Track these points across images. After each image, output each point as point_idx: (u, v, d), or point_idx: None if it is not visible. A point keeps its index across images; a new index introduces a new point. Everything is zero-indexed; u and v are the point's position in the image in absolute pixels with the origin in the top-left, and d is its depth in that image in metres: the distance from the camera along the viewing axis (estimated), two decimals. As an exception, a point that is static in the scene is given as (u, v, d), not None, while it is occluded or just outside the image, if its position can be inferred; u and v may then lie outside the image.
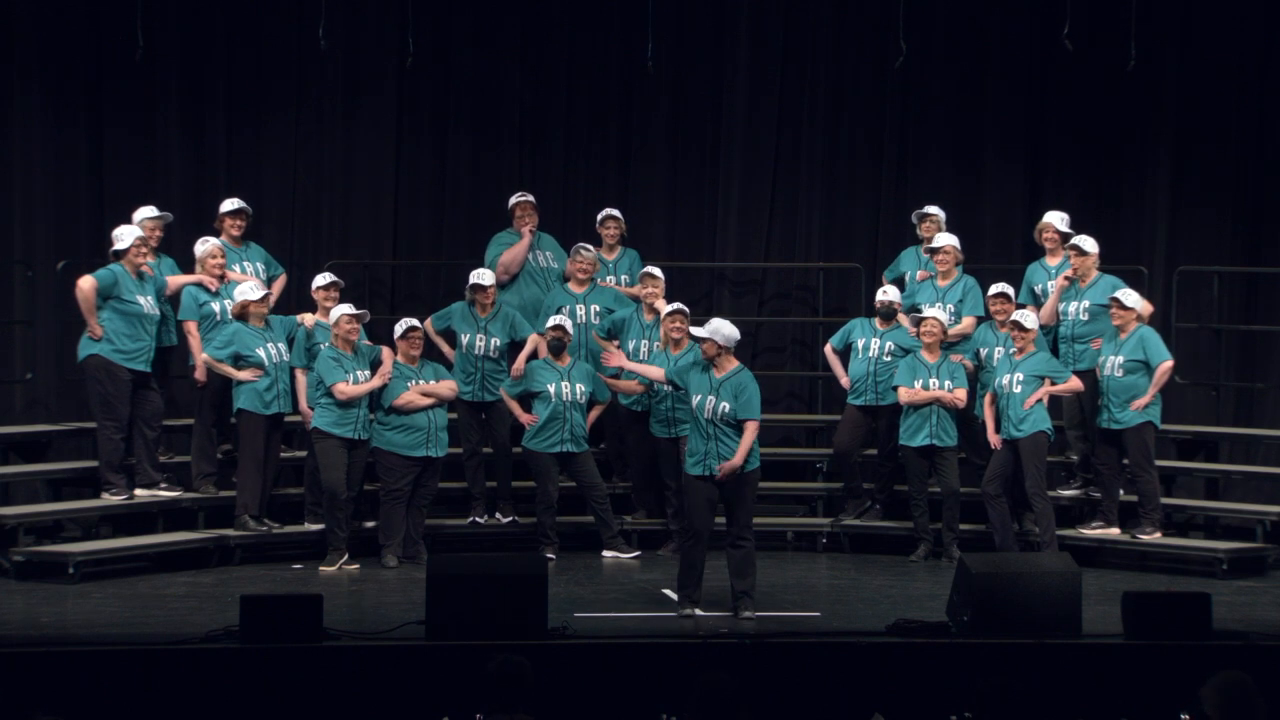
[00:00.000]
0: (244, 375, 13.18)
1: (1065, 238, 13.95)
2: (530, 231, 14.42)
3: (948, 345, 13.84)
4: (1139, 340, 13.32)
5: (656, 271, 14.13)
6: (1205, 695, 6.66)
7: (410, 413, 13.26)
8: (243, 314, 13.28)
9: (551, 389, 13.62)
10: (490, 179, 15.56)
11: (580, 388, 13.69)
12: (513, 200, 14.55)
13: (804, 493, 15.06)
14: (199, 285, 13.59)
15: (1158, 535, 13.43)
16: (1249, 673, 6.74)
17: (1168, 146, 15.68)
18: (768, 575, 13.16)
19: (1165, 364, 13.31)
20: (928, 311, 13.79)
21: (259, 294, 13.36)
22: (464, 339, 13.92)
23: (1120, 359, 13.30)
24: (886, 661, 9.98)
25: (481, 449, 14.06)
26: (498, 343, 13.91)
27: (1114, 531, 13.52)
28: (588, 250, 14.28)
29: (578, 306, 14.17)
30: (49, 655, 9.71)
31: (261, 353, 13.20)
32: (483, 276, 13.96)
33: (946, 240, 14.21)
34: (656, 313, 13.82)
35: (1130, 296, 13.40)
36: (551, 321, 13.73)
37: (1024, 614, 10.31)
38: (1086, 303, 13.70)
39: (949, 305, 14.05)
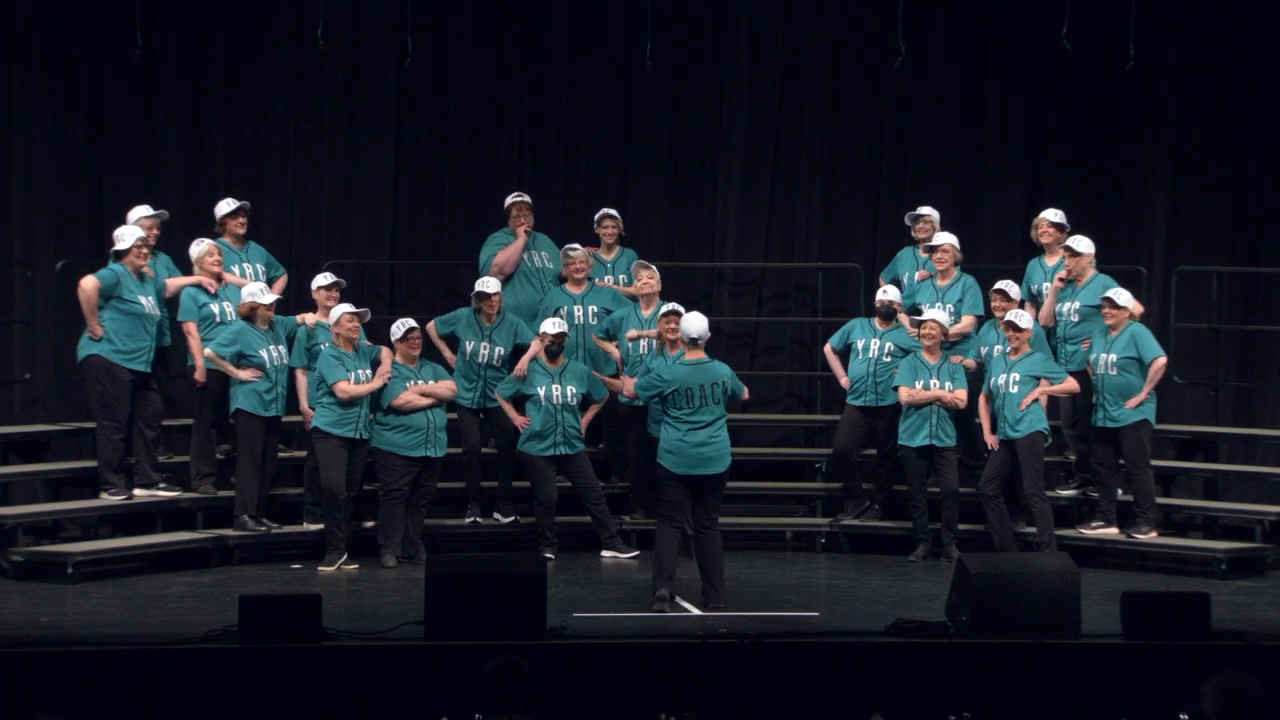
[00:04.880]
0: (244, 375, 13.18)
1: (1061, 230, 13.94)
2: (525, 232, 14.42)
3: (949, 345, 13.85)
4: (1131, 338, 13.32)
5: (647, 263, 14.13)
6: (1205, 695, 6.66)
7: (409, 413, 13.26)
8: (250, 314, 13.29)
9: (542, 392, 13.60)
10: (490, 179, 15.56)
11: (571, 389, 13.67)
12: (508, 200, 14.55)
13: (803, 493, 15.07)
14: (198, 286, 13.59)
15: (1154, 535, 13.43)
16: (1248, 673, 6.74)
17: (1167, 146, 15.68)
18: (767, 575, 13.21)
19: (1159, 360, 13.32)
20: (927, 313, 13.79)
21: (269, 298, 13.37)
22: (468, 346, 13.92)
23: (1113, 357, 13.30)
24: (885, 662, 9.98)
25: (481, 450, 14.07)
26: (501, 351, 13.90)
27: (1113, 531, 13.52)
28: (575, 250, 14.27)
29: (575, 307, 14.18)
30: (48, 655, 9.71)
31: (264, 354, 13.21)
32: (487, 285, 13.95)
33: (945, 239, 14.21)
34: (654, 307, 13.82)
35: (1123, 295, 13.40)
36: (551, 330, 13.69)
37: (1023, 614, 10.31)
38: (1077, 303, 13.70)
39: (949, 305, 14.05)
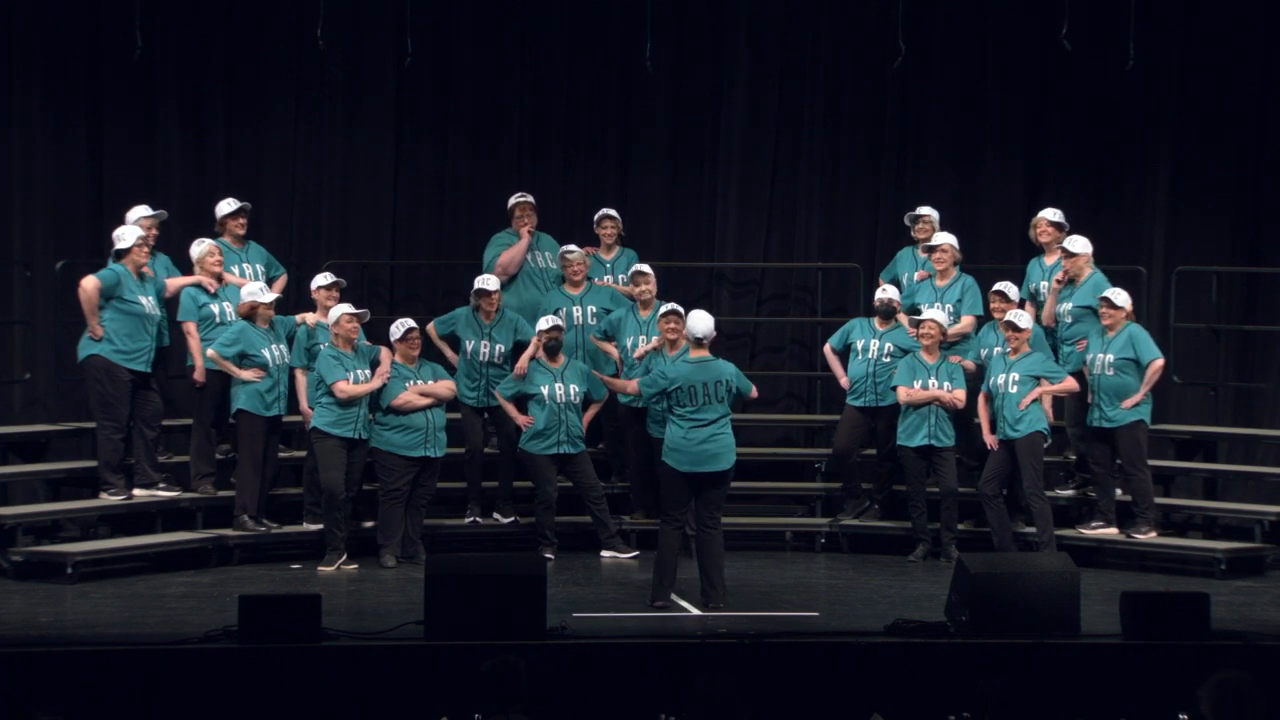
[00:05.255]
0: (247, 375, 13.18)
1: (1060, 229, 13.94)
2: (529, 232, 14.42)
3: (948, 345, 13.85)
4: (1128, 338, 13.32)
5: (646, 268, 14.13)
6: (1204, 695, 6.66)
7: (408, 413, 13.26)
8: (250, 314, 13.29)
9: (545, 391, 13.60)
10: (489, 179, 15.56)
11: (574, 388, 13.68)
12: (512, 200, 14.55)
13: (802, 493, 15.08)
14: (198, 286, 13.60)
15: (1153, 534, 13.43)
16: (1246, 672, 6.74)
17: (1167, 146, 15.68)
18: (767, 575, 13.21)
19: (1156, 362, 13.31)
20: (926, 313, 13.80)
21: (269, 297, 13.37)
22: (468, 345, 13.92)
23: (1110, 357, 13.30)
24: (885, 662, 9.98)
25: (483, 449, 14.07)
26: (502, 349, 13.90)
27: (1113, 531, 13.52)
28: (572, 252, 14.28)
29: (574, 308, 14.17)
30: (48, 655, 9.71)
31: (266, 354, 13.21)
32: (487, 282, 13.95)
33: (944, 239, 14.20)
34: (651, 309, 13.85)
35: (1120, 295, 13.40)
36: (545, 324, 13.70)
37: (1022, 614, 10.32)
38: (1071, 304, 13.69)
39: (948, 305, 14.05)
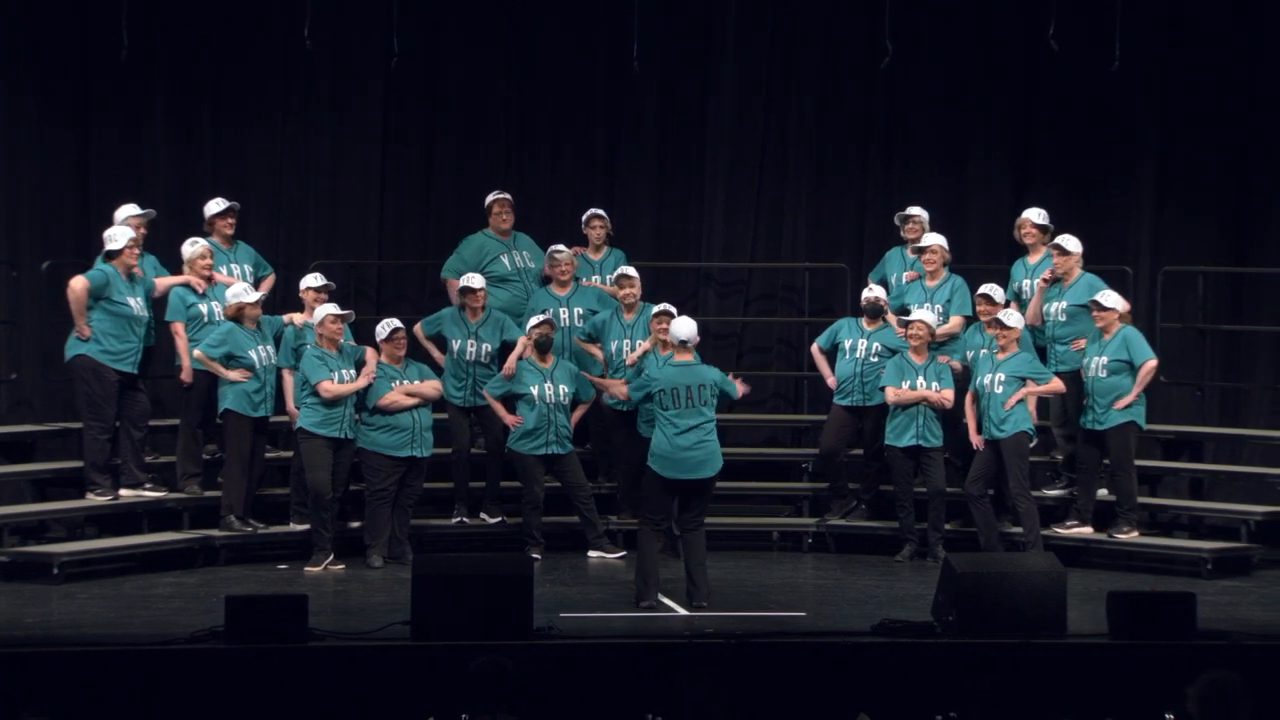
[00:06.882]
0: (233, 376, 13.16)
1: (1043, 230, 13.97)
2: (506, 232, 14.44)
3: (936, 345, 13.86)
4: (1123, 340, 13.33)
5: (631, 271, 14.14)
6: (1191, 695, 6.67)
7: (395, 413, 13.25)
8: (237, 315, 13.27)
9: (535, 391, 13.60)
10: (477, 179, 15.53)
11: (563, 388, 13.68)
12: (490, 198, 14.54)
13: (790, 493, 15.08)
14: (186, 286, 13.58)
15: (1135, 535, 13.44)
16: (1234, 673, 6.75)
17: (1153, 147, 15.70)
18: (754, 575, 13.21)
19: (1149, 363, 13.32)
20: (915, 314, 13.81)
21: (254, 297, 13.36)
22: (455, 345, 13.91)
23: (1104, 359, 13.31)
24: (871, 662, 10.00)
25: (470, 449, 14.06)
26: (489, 348, 13.91)
27: (1087, 530, 13.51)
28: (561, 252, 14.27)
29: (561, 310, 14.16)
30: (34, 656, 9.70)
31: (253, 355, 13.20)
32: (472, 280, 13.95)
33: (934, 240, 14.21)
34: (635, 312, 13.86)
35: (1109, 297, 13.40)
36: (535, 321, 13.71)
37: (1009, 614, 10.32)
38: (1064, 303, 13.71)
39: (937, 305, 14.06)
